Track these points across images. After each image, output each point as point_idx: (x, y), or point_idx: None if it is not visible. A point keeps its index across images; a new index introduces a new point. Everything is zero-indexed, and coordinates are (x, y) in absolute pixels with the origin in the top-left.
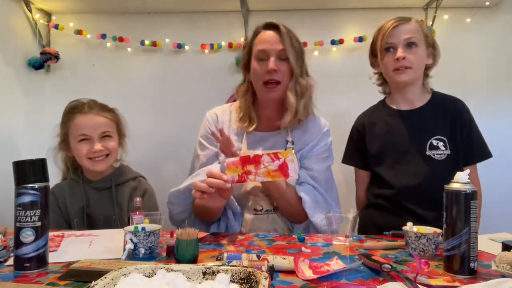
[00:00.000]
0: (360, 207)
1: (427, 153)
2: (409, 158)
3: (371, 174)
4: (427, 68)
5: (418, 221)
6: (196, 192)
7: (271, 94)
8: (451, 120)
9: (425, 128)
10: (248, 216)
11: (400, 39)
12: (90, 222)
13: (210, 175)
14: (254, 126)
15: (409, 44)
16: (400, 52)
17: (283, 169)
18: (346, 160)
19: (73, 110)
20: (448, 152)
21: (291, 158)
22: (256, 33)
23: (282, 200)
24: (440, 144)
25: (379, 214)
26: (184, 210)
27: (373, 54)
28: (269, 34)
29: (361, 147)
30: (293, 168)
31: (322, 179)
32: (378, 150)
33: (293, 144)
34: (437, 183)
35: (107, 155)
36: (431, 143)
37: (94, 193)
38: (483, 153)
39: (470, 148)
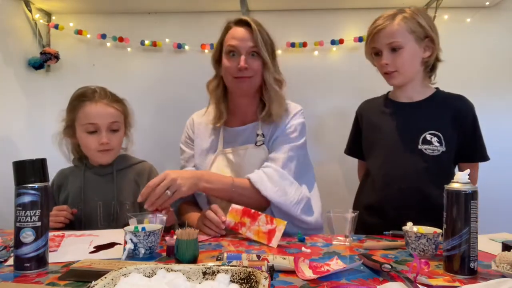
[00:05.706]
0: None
1: (419, 147)
2: (400, 151)
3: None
4: (426, 61)
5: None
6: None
7: (241, 85)
8: (452, 117)
9: (419, 122)
10: None
11: (383, 44)
12: (87, 207)
13: (213, 210)
14: (223, 120)
15: (393, 49)
16: (384, 59)
17: (270, 234)
18: (347, 150)
19: (82, 97)
20: (443, 148)
21: (281, 228)
22: (227, 28)
23: (239, 198)
24: (434, 139)
25: (366, 214)
26: None
27: (369, 55)
28: (240, 31)
29: (359, 136)
30: (277, 238)
31: (280, 158)
32: (369, 139)
33: (263, 136)
34: (427, 178)
35: (111, 149)
36: (425, 137)
37: (95, 178)
38: (483, 155)
39: (473, 146)
